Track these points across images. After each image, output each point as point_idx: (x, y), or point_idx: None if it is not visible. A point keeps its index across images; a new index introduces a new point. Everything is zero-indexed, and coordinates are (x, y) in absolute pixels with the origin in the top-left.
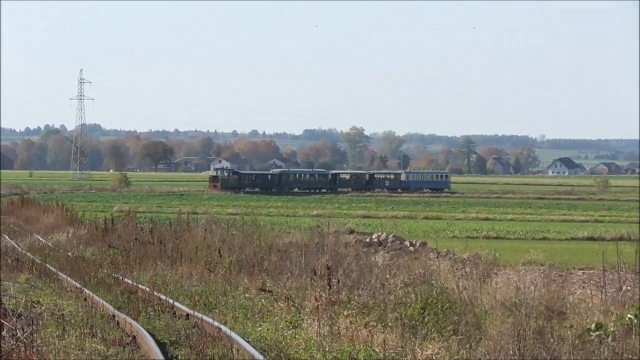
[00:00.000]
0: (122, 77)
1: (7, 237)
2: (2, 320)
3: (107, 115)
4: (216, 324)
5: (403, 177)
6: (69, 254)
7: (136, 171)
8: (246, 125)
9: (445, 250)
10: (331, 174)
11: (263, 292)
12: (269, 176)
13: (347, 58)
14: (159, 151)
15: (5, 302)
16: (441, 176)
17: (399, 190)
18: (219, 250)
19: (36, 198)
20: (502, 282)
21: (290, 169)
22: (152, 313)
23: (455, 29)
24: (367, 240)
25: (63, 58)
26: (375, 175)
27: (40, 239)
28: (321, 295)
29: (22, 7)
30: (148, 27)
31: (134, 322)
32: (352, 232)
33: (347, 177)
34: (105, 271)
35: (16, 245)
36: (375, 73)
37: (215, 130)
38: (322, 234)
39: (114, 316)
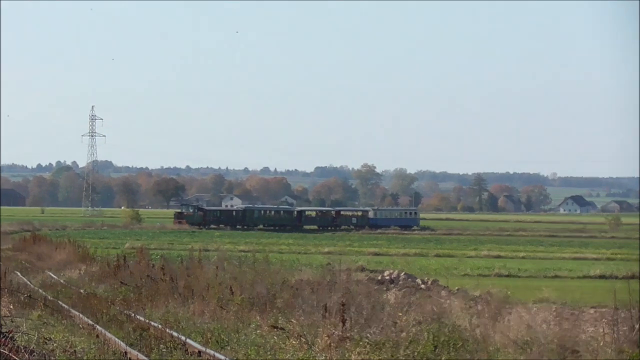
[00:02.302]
0: (134, 114)
1: (19, 273)
2: (14, 357)
3: (118, 151)
4: None
5: (371, 215)
6: (81, 290)
7: (148, 208)
8: (258, 162)
9: (457, 288)
10: (297, 211)
11: (275, 329)
12: (234, 212)
13: (358, 96)
14: (171, 188)
15: (17, 339)
16: (410, 213)
17: (366, 227)
18: (230, 287)
19: (48, 235)
20: (514, 320)
21: (255, 205)
22: (164, 350)
23: (467, 68)
24: (379, 277)
25: (74, 95)
26: (342, 212)
27: (52, 275)
28: (333, 333)
29: (33, 42)
30: (159, 65)
31: (145, 359)
32: (363, 269)
33: (313, 214)
34: (118, 308)
35: (28, 282)
36: (387, 111)
37: (227, 167)
38: (334, 272)
39: (126, 353)
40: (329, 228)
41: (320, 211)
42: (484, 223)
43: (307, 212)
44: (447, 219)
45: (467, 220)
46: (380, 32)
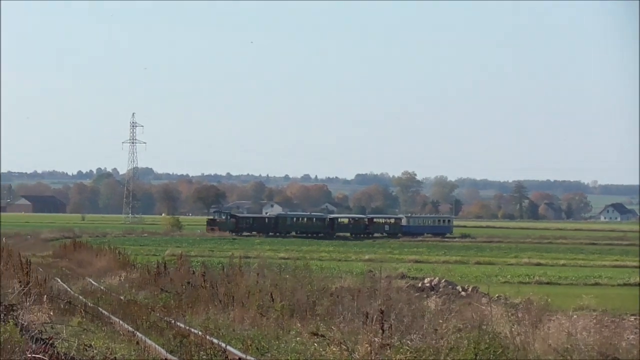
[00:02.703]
0: (174, 121)
1: (59, 280)
2: None
3: (159, 158)
4: None
5: (404, 222)
6: (121, 297)
7: (188, 215)
8: (298, 169)
9: (497, 295)
10: (329, 218)
11: (315, 336)
12: (266, 219)
13: (399, 103)
14: (211, 195)
15: (57, 346)
16: (443, 221)
17: (399, 235)
18: (271, 294)
19: (88, 241)
20: (555, 327)
21: (288, 212)
22: (204, 357)
23: (509, 75)
24: (419, 285)
25: (115, 101)
26: (375, 220)
27: (93, 282)
28: (373, 340)
29: (74, 49)
30: (200, 72)
31: None
32: (404, 276)
33: (346, 221)
34: (158, 315)
35: (68, 289)
36: (428, 118)
37: (268, 175)
38: (374, 279)
39: None
40: (361, 235)
41: (353, 218)
42: (524, 231)
43: (339, 219)
44: (487, 227)
45: (508, 227)
46: (420, 40)
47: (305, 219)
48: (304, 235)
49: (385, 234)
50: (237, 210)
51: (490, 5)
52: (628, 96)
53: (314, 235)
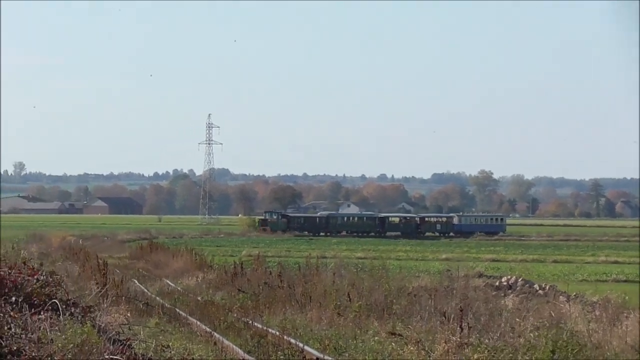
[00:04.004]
0: (251, 122)
1: (136, 281)
2: None
3: (235, 159)
4: None
5: (455, 221)
6: (199, 298)
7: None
8: (374, 169)
9: (574, 293)
10: (379, 217)
11: (393, 336)
12: (317, 219)
13: (476, 100)
14: (288, 195)
15: (135, 347)
16: (496, 219)
17: (451, 234)
18: (348, 294)
19: (165, 243)
20: (632, 325)
21: (338, 212)
22: (282, 357)
23: (590, 74)
24: (497, 283)
25: (191, 102)
26: (426, 219)
27: (170, 283)
28: (451, 339)
29: (151, 50)
30: (275, 71)
31: None
32: (481, 275)
33: (397, 220)
34: (235, 315)
35: (145, 290)
36: (504, 116)
37: (344, 174)
38: (452, 278)
39: None
40: (413, 235)
41: (404, 217)
42: (601, 229)
43: (390, 219)
44: (564, 225)
45: (585, 226)
46: (492, 37)
47: (356, 219)
48: (355, 234)
49: (436, 233)
50: (313, 210)
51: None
52: None
53: (365, 234)
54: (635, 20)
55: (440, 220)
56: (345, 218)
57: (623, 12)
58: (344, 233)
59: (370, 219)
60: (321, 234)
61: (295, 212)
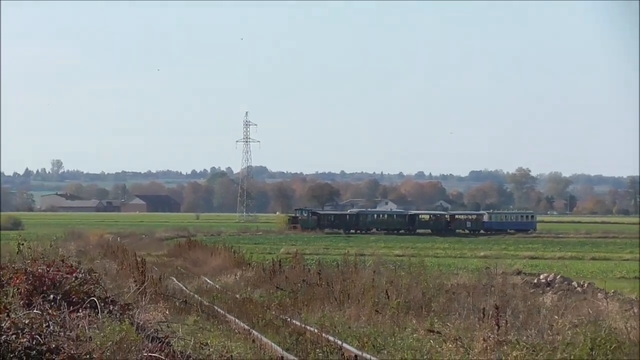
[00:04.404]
0: (288, 120)
1: (174, 279)
2: None
3: (273, 157)
4: None
5: (485, 218)
6: (237, 295)
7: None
8: (412, 166)
9: (612, 290)
10: (409, 215)
11: (431, 333)
12: (347, 216)
13: (512, 98)
14: (325, 193)
15: (173, 344)
16: (526, 217)
17: (481, 231)
18: (386, 291)
19: (203, 240)
20: None
21: (368, 209)
22: (320, 355)
23: (618, 70)
24: (535, 281)
25: (228, 101)
26: (457, 216)
27: (208, 281)
28: (489, 336)
29: (187, 50)
30: (311, 69)
31: None
32: (519, 273)
33: (427, 217)
34: (273, 313)
35: (184, 287)
36: (542, 113)
37: (382, 172)
38: (490, 275)
39: (282, 358)
40: (443, 232)
41: (434, 215)
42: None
43: (420, 216)
44: (602, 223)
45: (623, 223)
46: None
47: (386, 216)
48: (385, 231)
49: (467, 231)
50: (350, 208)
51: None
52: None
53: (395, 232)
54: None
55: (471, 217)
56: (376, 215)
57: None
58: (374, 230)
59: (401, 216)
60: (351, 231)
61: (333, 209)
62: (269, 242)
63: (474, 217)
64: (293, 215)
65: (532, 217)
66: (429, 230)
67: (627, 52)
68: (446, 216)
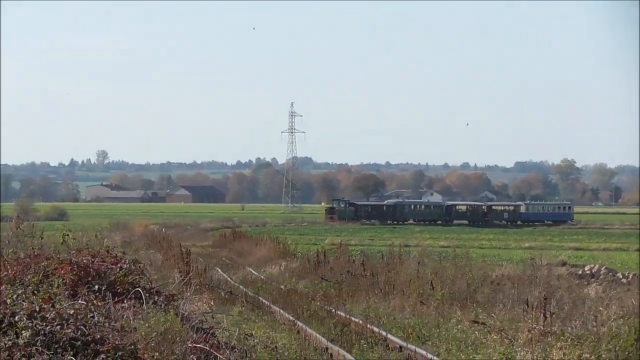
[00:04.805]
0: (333, 110)
1: (219, 270)
2: (216, 353)
3: (318, 148)
4: (430, 356)
5: (522, 209)
6: (282, 286)
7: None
8: (457, 157)
9: None
10: (447, 206)
11: (476, 324)
12: (384, 207)
13: (558, 88)
14: (371, 184)
15: (218, 335)
16: (563, 207)
17: (518, 222)
18: (431, 282)
19: (248, 231)
20: None
21: (405, 200)
22: (365, 345)
23: None
24: (579, 272)
25: (274, 91)
26: (494, 207)
27: (253, 271)
28: (534, 327)
29: (234, 41)
30: (356, 60)
31: (347, 354)
32: (564, 264)
33: (464, 208)
34: (318, 304)
35: (229, 278)
36: (587, 103)
37: (427, 163)
38: (535, 266)
39: (327, 349)
40: (479, 223)
41: (471, 206)
42: None
43: (457, 207)
44: None
45: None
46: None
47: (423, 207)
48: (422, 222)
49: (504, 222)
50: (395, 198)
51: None
52: None
53: (432, 222)
54: None
55: (507, 208)
56: (413, 206)
57: None
58: (410, 221)
59: (438, 207)
60: (388, 222)
61: (378, 200)
62: (314, 232)
63: (511, 208)
64: (330, 206)
65: (569, 208)
66: (466, 222)
67: None
68: (483, 207)
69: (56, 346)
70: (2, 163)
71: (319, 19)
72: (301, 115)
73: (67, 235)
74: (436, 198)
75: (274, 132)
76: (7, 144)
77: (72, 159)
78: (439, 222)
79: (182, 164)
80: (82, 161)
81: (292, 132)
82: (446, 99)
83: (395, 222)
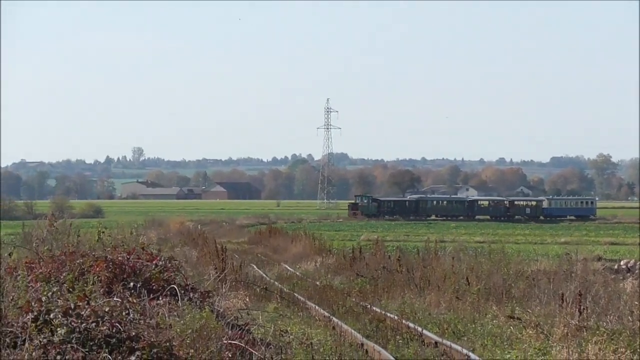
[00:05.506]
0: (369, 107)
1: (255, 266)
2: (251, 350)
3: (354, 144)
4: (465, 351)
5: (545, 204)
6: (317, 282)
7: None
8: (493, 152)
9: None
10: (468, 201)
11: (511, 319)
12: (407, 203)
13: (591, 82)
14: (406, 180)
15: (253, 331)
16: (586, 202)
17: (541, 217)
18: (467, 277)
19: (284, 227)
20: None
21: (428, 195)
22: (400, 341)
23: None
24: (615, 267)
25: (310, 88)
26: (516, 202)
27: (288, 268)
28: (570, 322)
29: (269, 38)
30: (391, 57)
31: (382, 350)
32: (600, 259)
33: (486, 203)
34: (354, 300)
35: (264, 275)
36: (624, 99)
37: (462, 158)
38: (570, 261)
39: (362, 345)
40: (502, 218)
41: (493, 201)
42: None
43: (479, 202)
44: None
45: None
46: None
47: (445, 202)
48: (444, 218)
49: (526, 217)
50: (431, 194)
51: None
52: None
53: (454, 218)
54: None
55: (530, 204)
56: (435, 202)
57: None
58: (433, 217)
59: (459, 202)
60: (411, 217)
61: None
62: (350, 229)
63: (534, 203)
64: (353, 201)
65: (592, 202)
66: (488, 217)
67: None
68: (505, 202)
69: (91, 343)
70: (37, 160)
71: (353, 16)
72: (337, 111)
73: (103, 232)
74: (472, 193)
75: (310, 129)
76: (43, 141)
77: (107, 156)
78: (461, 217)
79: (218, 160)
80: (118, 158)
81: (328, 128)
82: (482, 94)
83: (418, 218)
